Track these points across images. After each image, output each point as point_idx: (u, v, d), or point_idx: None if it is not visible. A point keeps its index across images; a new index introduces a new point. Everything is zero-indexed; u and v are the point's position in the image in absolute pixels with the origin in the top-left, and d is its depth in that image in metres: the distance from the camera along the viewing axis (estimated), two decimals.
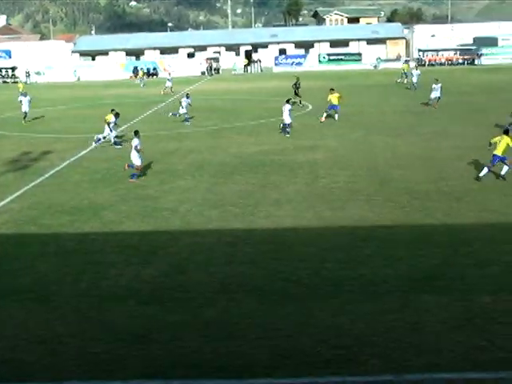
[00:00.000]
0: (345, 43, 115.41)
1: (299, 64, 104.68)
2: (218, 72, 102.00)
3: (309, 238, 19.22)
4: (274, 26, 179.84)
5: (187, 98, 45.09)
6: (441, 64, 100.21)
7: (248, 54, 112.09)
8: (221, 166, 29.47)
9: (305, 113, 48.66)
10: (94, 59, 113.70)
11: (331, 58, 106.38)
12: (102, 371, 11.76)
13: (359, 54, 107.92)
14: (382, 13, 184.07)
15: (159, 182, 26.93)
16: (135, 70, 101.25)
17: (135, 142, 27.37)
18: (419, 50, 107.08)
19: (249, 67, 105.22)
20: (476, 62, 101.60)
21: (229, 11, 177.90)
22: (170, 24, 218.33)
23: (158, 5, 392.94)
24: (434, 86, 47.99)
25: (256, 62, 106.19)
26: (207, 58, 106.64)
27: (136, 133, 27.81)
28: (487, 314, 13.55)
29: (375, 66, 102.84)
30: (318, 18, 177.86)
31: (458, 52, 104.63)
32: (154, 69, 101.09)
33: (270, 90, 67.87)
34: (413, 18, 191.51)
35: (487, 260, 16.74)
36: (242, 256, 17.69)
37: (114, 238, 19.87)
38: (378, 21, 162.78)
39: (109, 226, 21.00)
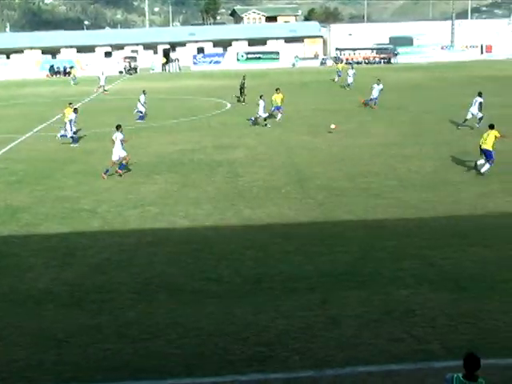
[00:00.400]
0: (263, 42, 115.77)
1: (217, 62, 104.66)
2: (136, 71, 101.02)
3: (229, 236, 19.27)
4: (191, 24, 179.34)
5: (144, 94, 45.32)
6: (358, 63, 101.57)
7: (166, 53, 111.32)
8: (140, 166, 29.21)
9: (223, 111, 48.72)
10: (8, 57, 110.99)
11: (249, 56, 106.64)
12: (21, 378, 11.54)
13: (277, 53, 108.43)
14: (300, 11, 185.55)
15: (77, 183, 26.54)
16: (51, 69, 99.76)
17: (120, 136, 27.51)
18: (336, 49, 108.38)
19: (167, 66, 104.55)
20: (392, 60, 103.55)
21: (146, 10, 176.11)
22: (86, 22, 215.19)
23: (75, 3, 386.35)
24: (374, 85, 47.83)
25: (174, 60, 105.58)
26: (125, 57, 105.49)
27: (118, 127, 27.96)
28: (405, 306, 13.86)
29: (293, 65, 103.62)
30: (236, 17, 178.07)
31: (375, 51, 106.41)
32: (71, 67, 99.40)
33: (189, 89, 67.68)
34: (330, 17, 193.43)
35: (405, 254, 17.11)
36: (163, 256, 17.61)
37: (32, 240, 19.49)
38: (296, 19, 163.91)
39: (26, 229, 20.59)
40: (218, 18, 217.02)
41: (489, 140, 25.48)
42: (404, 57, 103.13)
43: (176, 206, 22.62)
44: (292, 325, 13.11)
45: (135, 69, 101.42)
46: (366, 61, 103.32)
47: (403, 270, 15.97)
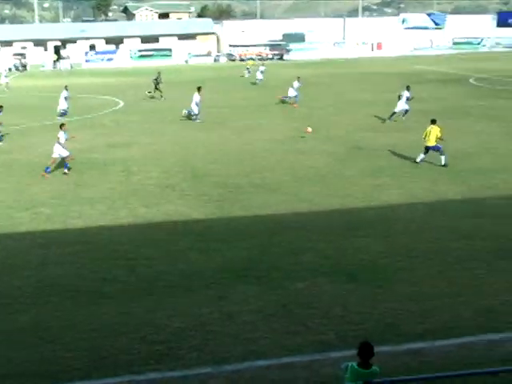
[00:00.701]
0: (155, 39, 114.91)
1: (110, 60, 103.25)
2: (25, 68, 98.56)
3: (124, 235, 19.04)
4: (83, 21, 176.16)
5: (66, 90, 44.68)
6: (251, 59, 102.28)
7: (57, 50, 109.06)
8: (31, 166, 28.45)
9: (116, 110, 48.07)
10: None
11: (142, 53, 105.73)
12: None
13: (170, 50, 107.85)
14: (193, 8, 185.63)
15: None
16: None
17: (60, 134, 27.03)
18: (230, 46, 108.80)
19: (58, 63, 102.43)
20: (285, 57, 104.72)
21: (35, 5, 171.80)
22: None
23: None
24: (295, 83, 47.50)
25: (65, 58, 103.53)
26: (14, 54, 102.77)
27: (61, 126, 27.72)
28: (301, 299, 14.03)
29: (186, 62, 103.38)
30: (128, 14, 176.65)
31: (268, 47, 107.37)
32: None
33: (81, 87, 66.37)
34: (223, 14, 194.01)
35: (300, 248, 17.33)
36: (56, 257, 17.23)
37: None
38: (189, 16, 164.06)
39: None
40: (110, 14, 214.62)
41: (432, 136, 25.95)
42: (296, 53, 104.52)
43: (69, 206, 22.17)
44: (189, 322, 13.08)
45: (25, 66, 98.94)
46: (259, 57, 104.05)
47: (299, 264, 16.18)
